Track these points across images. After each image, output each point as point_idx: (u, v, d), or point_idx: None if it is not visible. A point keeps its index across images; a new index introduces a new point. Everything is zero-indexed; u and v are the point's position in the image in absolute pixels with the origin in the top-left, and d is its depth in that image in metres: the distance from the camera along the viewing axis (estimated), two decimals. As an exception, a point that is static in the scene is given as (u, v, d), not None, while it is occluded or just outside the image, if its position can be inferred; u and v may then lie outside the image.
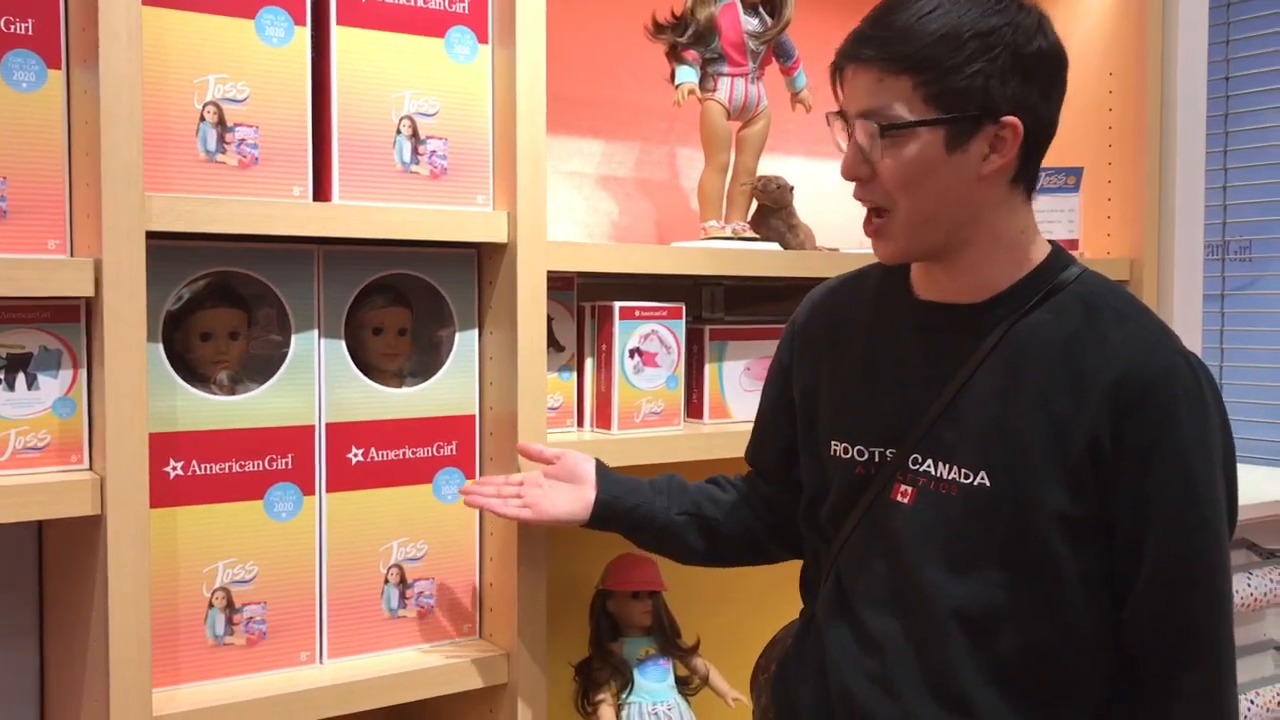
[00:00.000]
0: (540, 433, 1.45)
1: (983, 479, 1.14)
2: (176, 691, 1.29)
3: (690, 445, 1.63)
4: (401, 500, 1.44)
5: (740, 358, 1.76)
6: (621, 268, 1.56)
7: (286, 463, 1.35)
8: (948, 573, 1.15)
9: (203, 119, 1.27)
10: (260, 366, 1.37)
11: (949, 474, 1.16)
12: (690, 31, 1.69)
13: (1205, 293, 2.30)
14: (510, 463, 1.45)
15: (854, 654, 1.21)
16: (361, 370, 1.42)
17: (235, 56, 1.29)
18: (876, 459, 1.23)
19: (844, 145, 1.18)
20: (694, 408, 1.74)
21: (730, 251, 1.68)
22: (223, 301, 1.35)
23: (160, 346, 1.28)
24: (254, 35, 1.30)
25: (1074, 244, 2.07)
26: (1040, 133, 1.14)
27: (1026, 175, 1.16)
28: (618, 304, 1.60)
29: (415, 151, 1.40)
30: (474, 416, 1.49)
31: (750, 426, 1.46)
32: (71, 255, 1.23)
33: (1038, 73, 1.12)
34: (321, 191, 1.36)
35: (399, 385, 1.46)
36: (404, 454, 1.44)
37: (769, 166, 1.90)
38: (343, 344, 1.40)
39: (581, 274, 1.61)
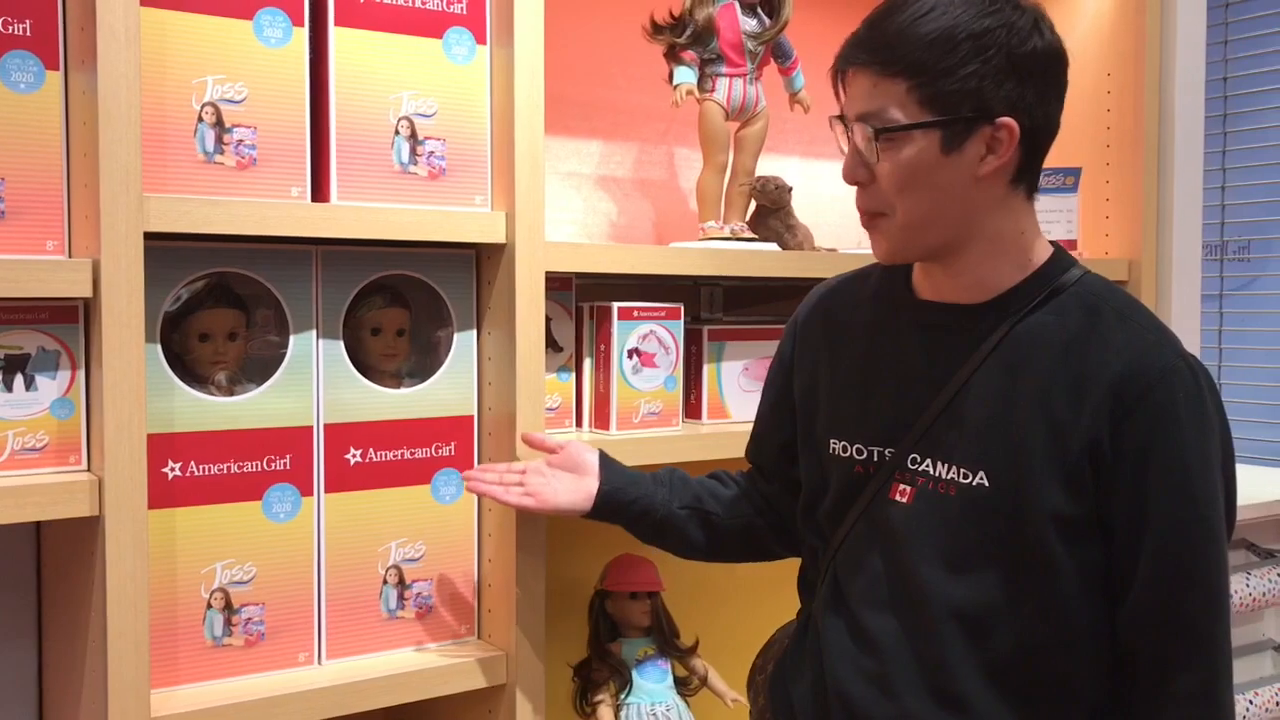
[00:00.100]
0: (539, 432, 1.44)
1: (981, 479, 1.14)
2: (175, 692, 1.29)
3: (689, 446, 1.63)
4: (400, 501, 1.44)
5: (738, 358, 1.76)
6: (620, 268, 1.56)
7: (285, 463, 1.35)
8: (945, 572, 1.15)
9: (201, 120, 1.27)
10: (259, 367, 1.37)
11: (948, 473, 1.16)
12: (688, 32, 1.69)
13: (1203, 293, 2.30)
14: (508, 462, 1.45)
15: (851, 653, 1.21)
16: (360, 371, 1.42)
17: (233, 57, 1.29)
18: (875, 458, 1.23)
19: (845, 148, 1.18)
20: (692, 408, 1.74)
21: (728, 252, 1.68)
22: (221, 302, 1.35)
23: (158, 347, 1.28)
24: (252, 36, 1.30)
25: (1072, 244, 2.07)
26: (1039, 133, 1.15)
27: (1027, 176, 1.17)
28: (616, 304, 1.60)
29: (413, 152, 1.40)
30: (472, 417, 1.49)
31: (749, 427, 1.46)
32: (69, 256, 1.23)
33: (1034, 73, 1.12)
34: (320, 192, 1.36)
35: (397, 386, 1.46)
36: (402, 454, 1.44)
37: (767, 167, 1.91)
38: (341, 344, 1.40)
39: (580, 274, 1.61)
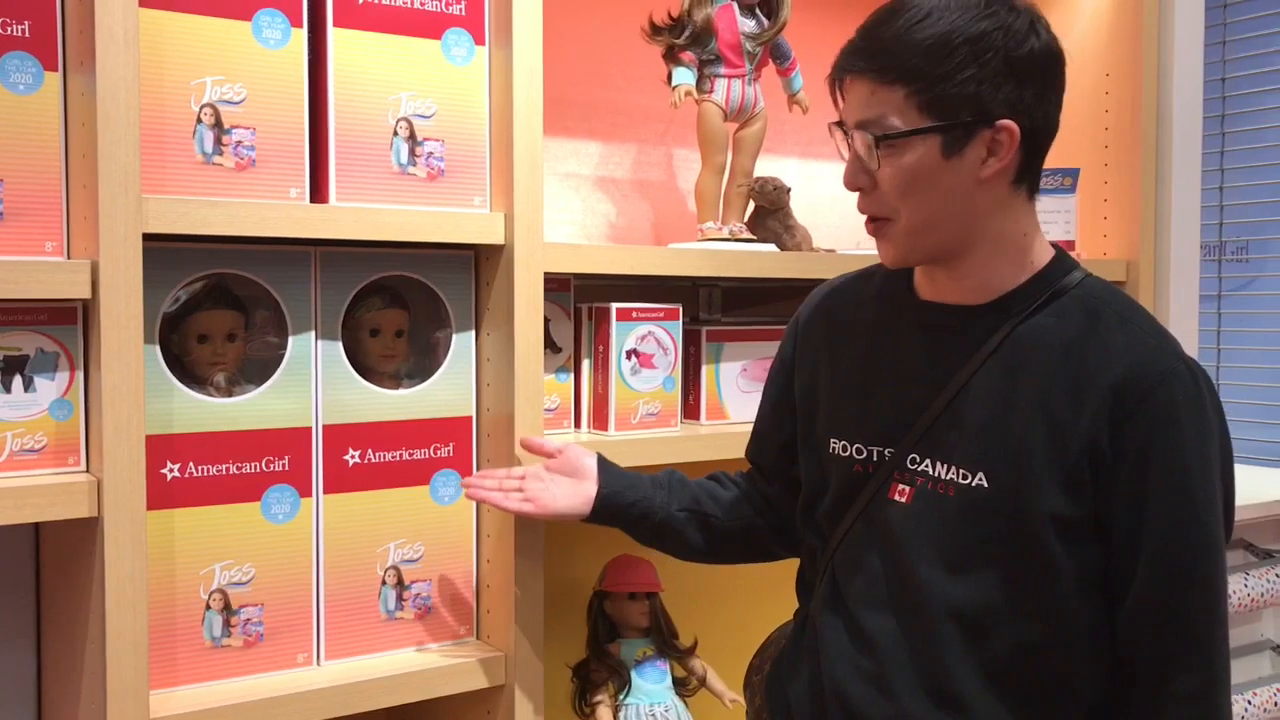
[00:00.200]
0: (537, 434, 1.44)
1: (980, 480, 1.14)
2: (174, 693, 1.29)
3: (687, 446, 1.63)
4: (399, 502, 1.44)
5: (737, 359, 1.76)
6: (618, 269, 1.56)
7: (283, 464, 1.35)
8: (944, 572, 1.15)
9: (199, 121, 1.27)
10: (257, 368, 1.37)
11: (947, 474, 1.17)
12: (687, 33, 1.70)
13: (1202, 293, 2.30)
14: (507, 464, 1.45)
15: (849, 653, 1.21)
16: (358, 372, 1.42)
17: (232, 58, 1.29)
18: (875, 458, 1.23)
19: (845, 155, 1.18)
20: (691, 409, 1.75)
21: (727, 253, 1.68)
22: (220, 303, 1.35)
23: (157, 348, 1.28)
24: (251, 37, 1.30)
25: (1071, 245, 2.07)
26: (1039, 134, 1.15)
27: (1028, 177, 1.17)
28: (615, 305, 1.60)
29: (412, 153, 1.40)
30: (471, 418, 1.49)
31: (748, 427, 1.46)
32: (68, 257, 1.23)
33: (1032, 74, 1.12)
34: (318, 193, 1.36)
35: (396, 387, 1.46)
36: (401, 455, 1.44)
37: (766, 168, 1.91)
38: (340, 345, 1.40)
39: (578, 275, 1.62)
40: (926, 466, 1.18)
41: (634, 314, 1.62)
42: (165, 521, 1.28)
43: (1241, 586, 2.36)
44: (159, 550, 1.28)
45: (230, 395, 1.34)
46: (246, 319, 1.38)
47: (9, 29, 1.19)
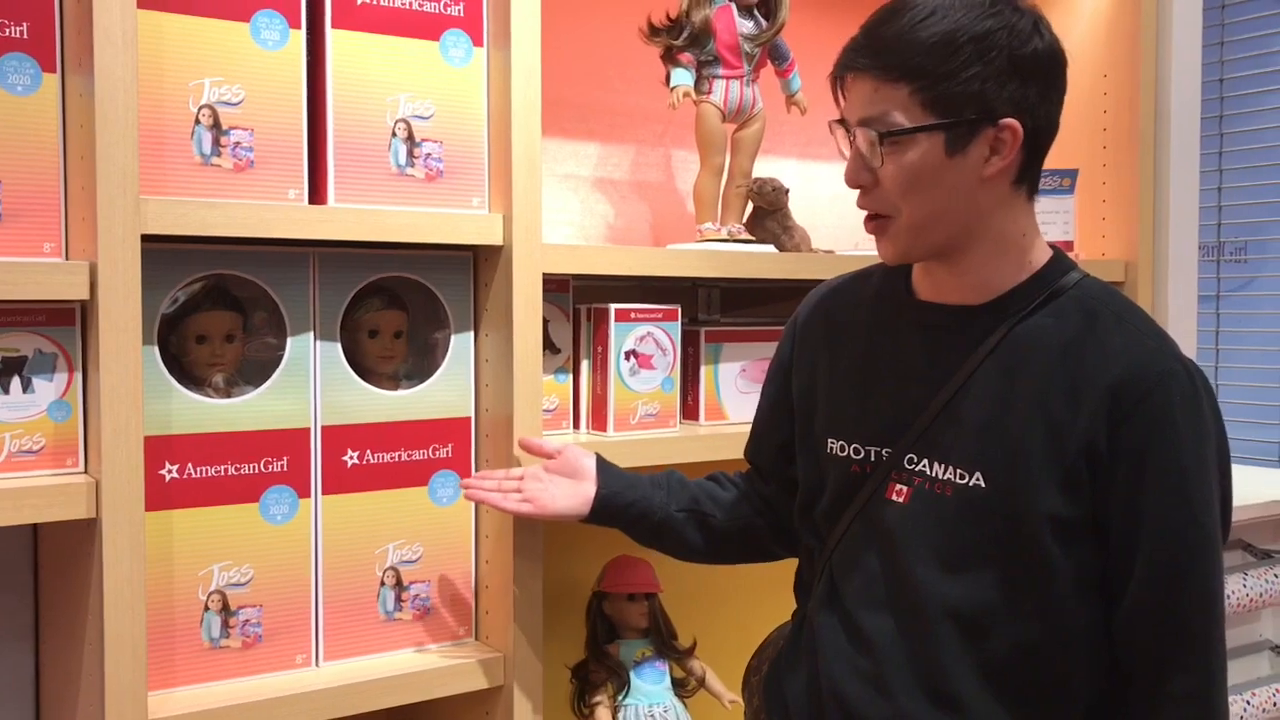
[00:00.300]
0: (536, 435, 1.44)
1: (978, 480, 1.14)
2: (172, 695, 1.29)
3: (686, 447, 1.63)
4: (397, 503, 1.44)
5: (736, 359, 1.76)
6: (617, 270, 1.56)
7: (282, 465, 1.35)
8: (941, 572, 1.15)
9: (198, 122, 1.27)
10: (256, 369, 1.37)
11: (944, 474, 1.17)
12: (685, 34, 1.70)
13: (1200, 294, 2.30)
14: (506, 465, 1.45)
15: (846, 653, 1.21)
16: (357, 373, 1.42)
17: (230, 59, 1.29)
18: (872, 458, 1.23)
19: (846, 152, 1.18)
20: (690, 409, 1.75)
21: (726, 253, 1.68)
22: (218, 304, 1.35)
23: (156, 349, 1.28)
24: (249, 38, 1.30)
25: (1069, 245, 2.07)
26: (1041, 133, 1.15)
27: (1029, 177, 1.17)
28: (613, 306, 1.60)
29: (410, 154, 1.40)
30: (469, 419, 1.49)
31: (746, 428, 1.46)
32: (66, 258, 1.23)
33: (1035, 74, 1.12)
34: (317, 194, 1.36)
35: (395, 388, 1.46)
36: (400, 456, 1.44)
37: (764, 169, 1.91)
38: (338, 346, 1.40)
39: (577, 276, 1.61)
40: (924, 466, 1.18)
41: (633, 315, 1.62)
42: (164, 522, 1.28)
43: (1240, 587, 2.36)
44: (157, 551, 1.28)
45: (229, 396, 1.34)
46: (245, 320, 1.38)
47: (7, 30, 1.19)
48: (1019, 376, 1.15)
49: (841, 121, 1.18)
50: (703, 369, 1.73)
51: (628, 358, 1.61)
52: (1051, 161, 1.23)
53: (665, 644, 1.73)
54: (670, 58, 1.71)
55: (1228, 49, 3.38)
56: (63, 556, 1.34)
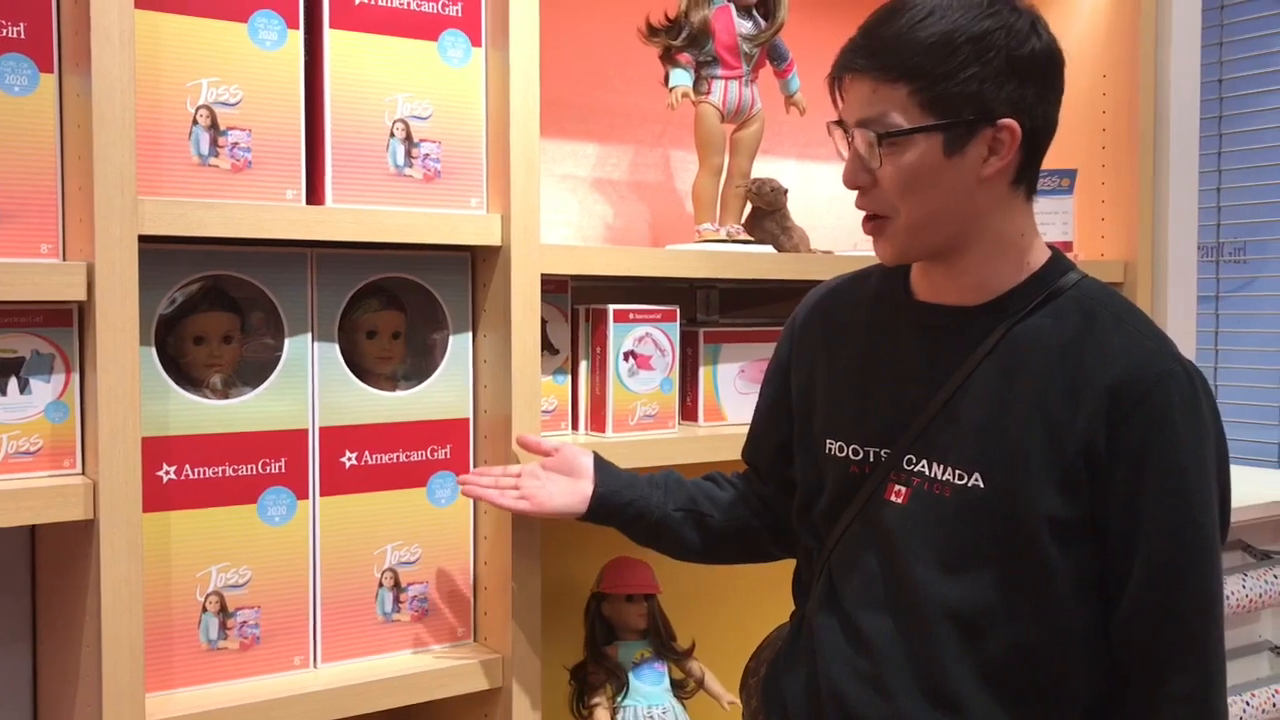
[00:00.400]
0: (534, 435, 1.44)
1: (976, 480, 1.14)
2: (170, 696, 1.29)
3: (685, 448, 1.63)
4: (395, 504, 1.44)
5: (735, 360, 1.76)
6: (616, 270, 1.56)
7: (280, 466, 1.35)
8: (940, 573, 1.15)
9: (195, 122, 1.27)
10: (254, 370, 1.36)
11: (943, 475, 1.16)
12: (684, 34, 1.69)
13: (1199, 294, 2.30)
14: (504, 465, 1.44)
15: (845, 653, 1.21)
16: (355, 373, 1.41)
17: (228, 60, 1.29)
18: (871, 458, 1.23)
19: (845, 153, 1.18)
20: (688, 410, 1.74)
21: (724, 254, 1.68)
22: (216, 305, 1.35)
23: (153, 350, 1.28)
24: (247, 39, 1.30)
25: (1068, 246, 2.07)
26: (1039, 134, 1.15)
27: (1027, 177, 1.17)
28: (612, 307, 1.60)
29: (409, 154, 1.40)
30: (468, 420, 1.49)
31: (745, 429, 1.46)
32: (64, 259, 1.22)
33: (1033, 74, 1.12)
34: (315, 195, 1.36)
35: (393, 388, 1.46)
36: (398, 457, 1.43)
37: (763, 169, 1.91)
38: (336, 347, 1.40)
39: (576, 277, 1.61)
40: (923, 467, 1.18)
41: (631, 315, 1.62)
42: (161, 524, 1.28)
43: (1239, 587, 2.36)
44: (155, 553, 1.28)
45: (226, 397, 1.34)
46: (243, 321, 1.37)
47: (4, 30, 1.19)
48: (1017, 377, 1.15)
49: (839, 122, 1.18)
50: (701, 370, 1.73)
51: (626, 358, 1.61)
52: (1050, 162, 1.23)
53: (664, 645, 1.73)
54: (669, 58, 1.71)
55: (1227, 49, 3.38)
56: (60, 558, 1.33)
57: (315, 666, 1.39)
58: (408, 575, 1.45)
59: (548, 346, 1.58)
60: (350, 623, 1.41)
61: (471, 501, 1.48)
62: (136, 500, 1.19)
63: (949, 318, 1.21)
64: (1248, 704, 2.38)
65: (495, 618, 1.47)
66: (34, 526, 1.42)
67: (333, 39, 1.35)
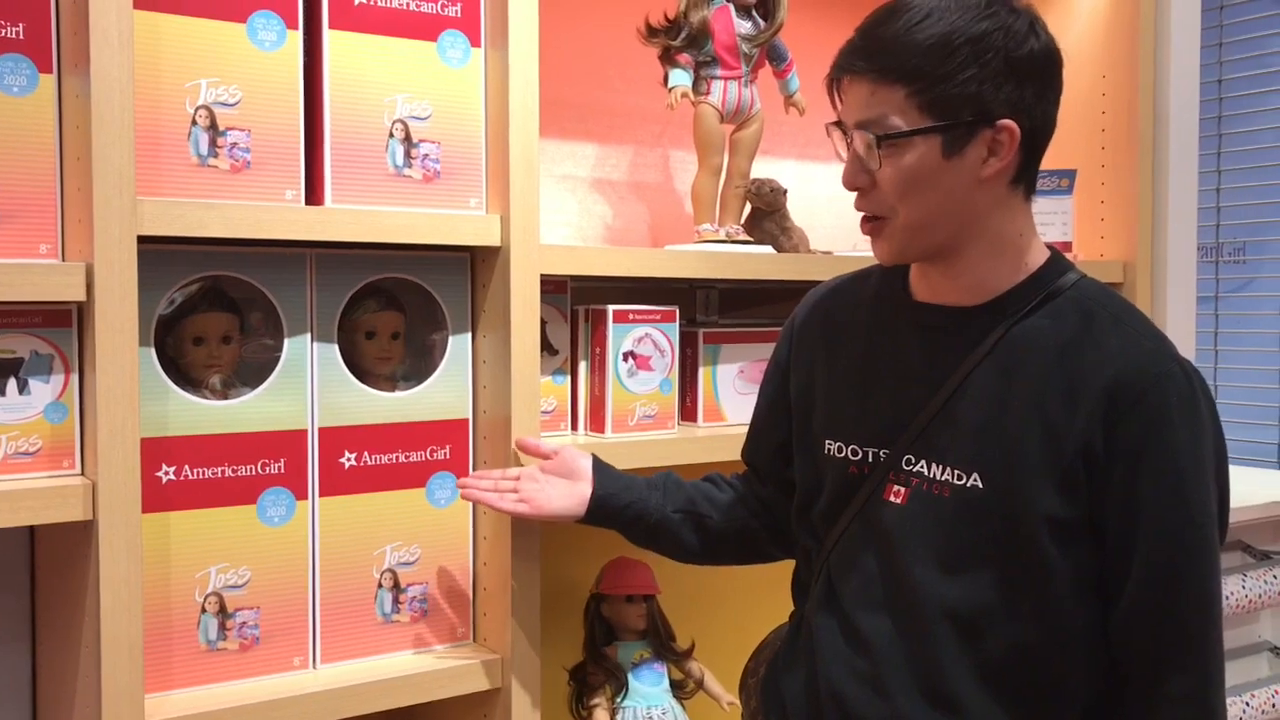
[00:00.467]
0: (534, 436, 1.44)
1: (975, 481, 1.14)
2: (169, 697, 1.29)
3: (684, 448, 1.63)
4: (395, 504, 1.44)
5: (734, 360, 1.76)
6: (615, 271, 1.56)
7: (279, 467, 1.35)
8: (939, 573, 1.15)
9: (195, 123, 1.27)
10: (253, 371, 1.36)
11: (942, 475, 1.16)
12: (683, 35, 1.69)
13: (1199, 294, 2.30)
14: (503, 467, 1.44)
15: (844, 654, 1.21)
16: (354, 374, 1.41)
17: (227, 60, 1.29)
18: (870, 459, 1.23)
19: (844, 155, 1.18)
20: (688, 411, 1.74)
21: (724, 254, 1.68)
22: (215, 306, 1.35)
23: (152, 351, 1.28)
24: (246, 39, 1.30)
25: (1068, 246, 2.07)
26: (1038, 134, 1.15)
27: (1026, 177, 1.17)
28: (611, 307, 1.60)
29: (408, 155, 1.40)
30: (467, 420, 1.49)
31: (745, 429, 1.46)
32: (63, 260, 1.22)
33: (1031, 75, 1.12)
34: (314, 195, 1.36)
35: (392, 389, 1.46)
36: (397, 458, 1.43)
37: (762, 169, 1.91)
38: (335, 348, 1.40)
39: (575, 277, 1.61)
40: (922, 467, 1.18)
41: (631, 316, 1.62)
42: (160, 524, 1.28)
43: (1239, 588, 2.36)
44: (154, 553, 1.27)
45: (225, 398, 1.34)
46: (242, 321, 1.37)
47: (3, 31, 1.19)
48: (1016, 377, 1.15)
49: (838, 124, 1.18)
50: (701, 370, 1.73)
51: (626, 359, 1.61)
52: (1050, 162, 1.23)
53: (663, 646, 1.73)
54: (668, 58, 1.71)
55: (1226, 50, 3.38)
56: (59, 558, 1.33)
57: (314, 667, 1.39)
58: (407, 576, 1.45)
59: (547, 347, 1.58)
60: (349, 623, 1.41)
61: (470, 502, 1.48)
62: (135, 501, 1.19)
63: (948, 318, 1.21)
64: (1247, 704, 2.38)
65: (495, 618, 1.47)
66: (33, 527, 1.42)
67: (332, 39, 1.35)
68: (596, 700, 1.68)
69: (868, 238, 1.21)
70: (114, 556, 1.18)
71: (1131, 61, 2.11)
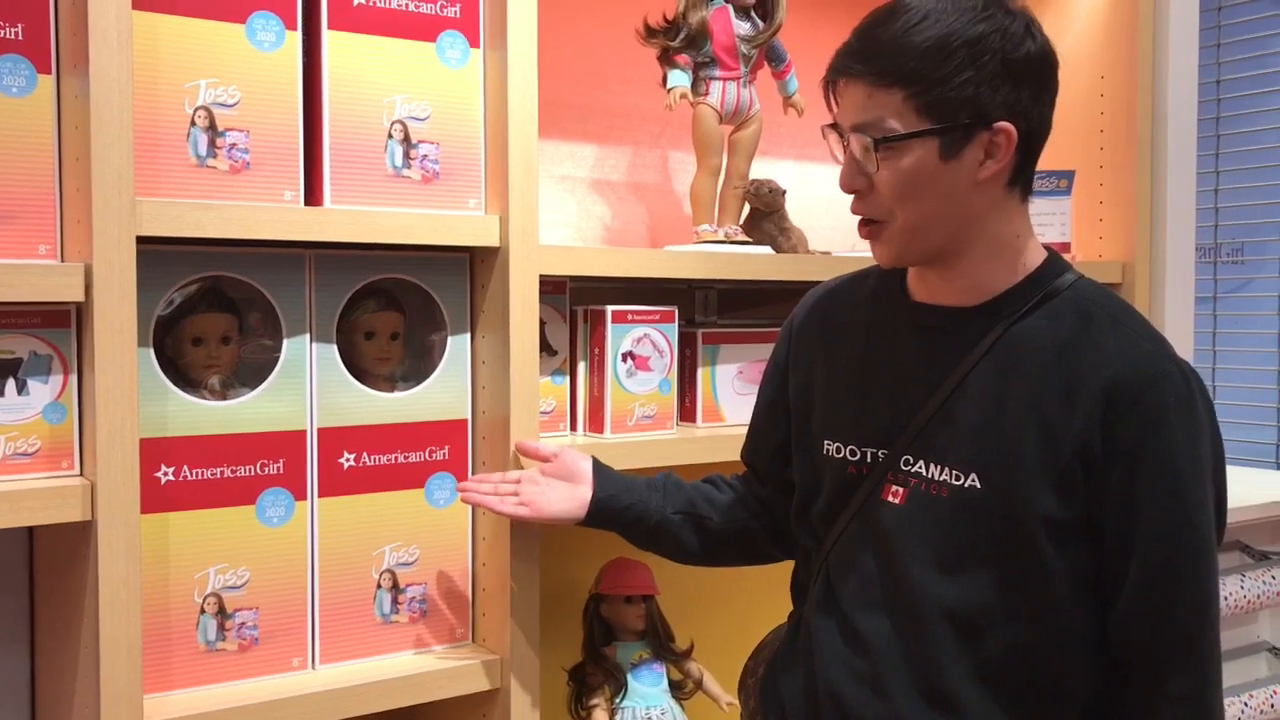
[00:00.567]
0: (533, 437, 1.44)
1: (973, 481, 1.14)
2: (168, 698, 1.29)
3: (683, 449, 1.63)
4: (394, 505, 1.44)
5: (733, 361, 1.76)
6: (614, 271, 1.56)
7: (278, 468, 1.35)
8: (937, 573, 1.15)
9: (194, 123, 1.27)
10: (252, 371, 1.36)
11: (940, 475, 1.17)
12: (682, 35, 1.70)
13: (1197, 295, 2.31)
14: (502, 467, 1.45)
15: (842, 654, 1.21)
16: (353, 375, 1.41)
17: (226, 61, 1.29)
18: (868, 459, 1.23)
19: (840, 157, 1.18)
20: (687, 411, 1.74)
21: (723, 255, 1.68)
22: (214, 306, 1.35)
23: (151, 351, 1.28)
24: (245, 40, 1.30)
25: (1066, 247, 2.07)
26: (1034, 136, 1.15)
27: (1022, 179, 1.17)
28: (610, 308, 1.60)
29: (407, 155, 1.40)
30: (466, 421, 1.49)
31: (744, 429, 1.46)
32: (62, 260, 1.22)
33: (1028, 77, 1.12)
34: (313, 196, 1.36)
35: (391, 389, 1.46)
36: (396, 458, 1.43)
37: (761, 170, 1.91)
38: (334, 348, 1.40)
39: (574, 278, 1.61)
40: (920, 468, 1.18)
41: (629, 316, 1.62)
42: (159, 525, 1.28)
43: (1238, 588, 2.36)
44: (153, 554, 1.27)
45: (224, 398, 1.34)
46: (241, 322, 1.37)
47: (2, 31, 1.19)
48: (1013, 378, 1.15)
49: (834, 126, 1.18)
50: (700, 370, 1.73)
51: (625, 359, 1.61)
52: (1048, 163, 1.23)
53: (662, 646, 1.73)
54: (667, 59, 1.71)
55: (1225, 50, 3.38)
56: (58, 559, 1.33)
57: (313, 668, 1.39)
58: (406, 576, 1.45)
59: (546, 347, 1.58)
60: (348, 624, 1.41)
61: (469, 502, 1.49)
62: (134, 501, 1.19)
63: (945, 319, 1.21)
64: (1246, 705, 2.38)
65: (494, 619, 1.47)
66: (32, 528, 1.41)
67: (331, 40, 1.35)
68: (595, 701, 1.68)
69: (865, 240, 1.21)
70: (113, 557, 1.18)
71: (1130, 62, 2.11)
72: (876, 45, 1.12)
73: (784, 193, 1.84)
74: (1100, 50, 2.15)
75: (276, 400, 1.35)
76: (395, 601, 1.44)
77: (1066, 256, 1.52)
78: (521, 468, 1.43)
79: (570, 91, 1.88)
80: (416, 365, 1.50)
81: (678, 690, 1.73)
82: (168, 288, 1.29)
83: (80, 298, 1.17)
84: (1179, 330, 2.20)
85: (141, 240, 1.19)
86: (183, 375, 1.33)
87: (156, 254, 1.26)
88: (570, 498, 1.38)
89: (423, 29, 1.41)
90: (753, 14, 1.77)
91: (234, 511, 1.33)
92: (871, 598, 1.20)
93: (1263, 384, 3.33)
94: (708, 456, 1.63)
